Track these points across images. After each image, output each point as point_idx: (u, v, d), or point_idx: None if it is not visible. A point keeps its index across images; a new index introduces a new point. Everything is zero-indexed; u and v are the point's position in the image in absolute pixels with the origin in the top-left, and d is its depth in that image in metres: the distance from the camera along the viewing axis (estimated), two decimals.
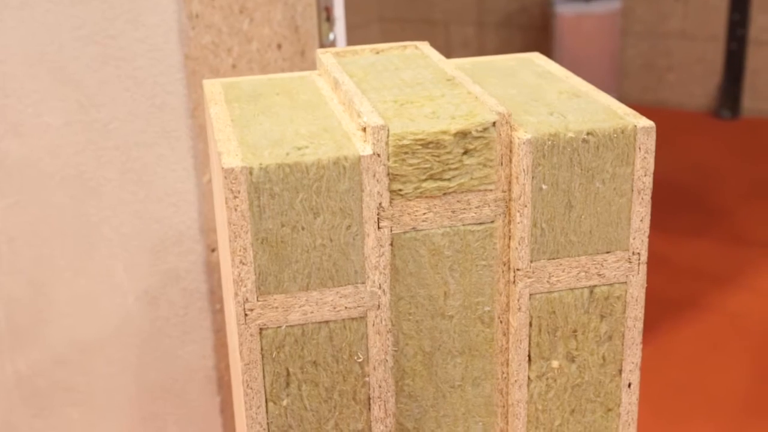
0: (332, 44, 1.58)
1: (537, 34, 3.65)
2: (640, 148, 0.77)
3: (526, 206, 0.76)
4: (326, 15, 1.53)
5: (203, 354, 1.47)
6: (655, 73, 3.62)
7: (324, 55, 0.92)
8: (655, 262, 2.50)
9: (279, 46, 1.47)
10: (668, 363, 2.09)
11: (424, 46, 0.94)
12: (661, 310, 2.28)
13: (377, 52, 0.93)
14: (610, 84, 3.43)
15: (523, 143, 0.74)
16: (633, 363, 0.83)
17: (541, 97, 0.83)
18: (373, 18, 3.98)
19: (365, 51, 0.93)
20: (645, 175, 0.77)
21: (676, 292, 2.36)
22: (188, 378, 1.50)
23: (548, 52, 3.46)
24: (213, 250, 1.41)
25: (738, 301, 2.31)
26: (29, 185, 1.42)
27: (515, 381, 0.81)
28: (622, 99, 3.61)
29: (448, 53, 3.78)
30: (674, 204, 2.87)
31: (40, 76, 1.36)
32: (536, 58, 0.95)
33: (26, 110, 1.39)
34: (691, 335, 2.18)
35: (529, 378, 0.81)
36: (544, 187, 0.76)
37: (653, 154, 0.77)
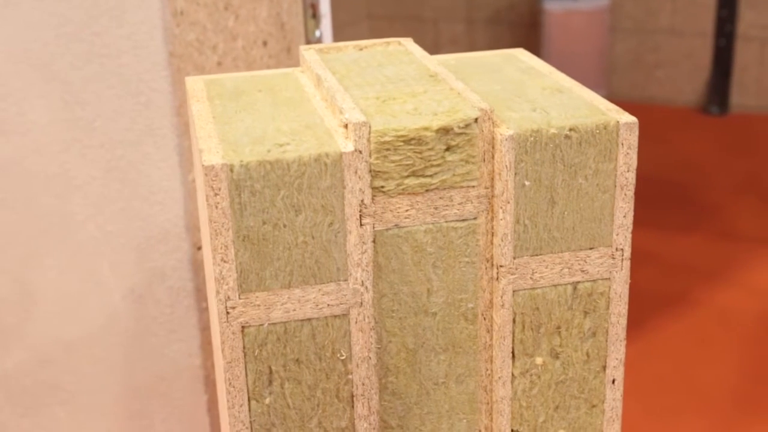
0: (319, 41, 1.58)
1: (526, 30, 3.65)
2: (622, 144, 0.76)
3: (508, 203, 0.76)
4: (312, 12, 1.53)
5: (190, 352, 1.47)
6: (643, 70, 3.62)
7: (307, 52, 0.91)
8: (645, 258, 2.50)
9: (265, 43, 1.47)
10: (657, 358, 2.09)
11: (408, 42, 0.94)
12: (651, 306, 2.28)
13: (360, 49, 0.93)
14: (599, 80, 3.43)
15: (506, 139, 0.74)
16: (617, 359, 0.83)
17: (524, 93, 0.82)
18: (362, 15, 3.98)
19: (348, 47, 0.93)
20: (628, 171, 0.77)
21: (666, 288, 2.36)
22: (175, 376, 1.50)
23: (537, 49, 3.46)
24: (199, 248, 1.40)
25: (727, 297, 2.31)
26: (13, 184, 1.42)
27: (499, 378, 0.81)
28: (610, 95, 3.61)
29: (438, 50, 3.77)
30: (663, 200, 2.87)
31: (24, 74, 1.35)
32: (520, 54, 0.95)
33: (10, 108, 1.38)
34: (680, 330, 2.18)
35: (513, 375, 0.81)
36: (526, 183, 0.76)
37: (636, 149, 0.77)
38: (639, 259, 2.47)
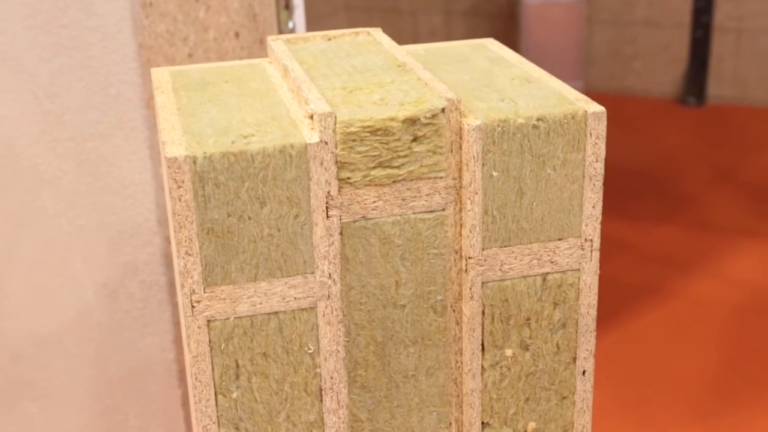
0: (292, 32, 1.56)
1: (504, 22, 3.65)
2: (591, 134, 0.76)
3: (476, 193, 0.75)
4: (285, 2, 1.52)
5: (163, 347, 1.46)
6: (621, 61, 3.62)
7: (275, 43, 0.90)
8: (620, 249, 2.50)
9: (237, 35, 1.45)
10: (633, 349, 2.09)
11: (377, 33, 0.93)
12: (626, 297, 2.28)
13: (329, 39, 0.92)
14: (576, 72, 3.43)
15: (473, 129, 0.73)
16: (587, 350, 0.82)
17: (493, 83, 0.82)
18: (340, 7, 3.96)
19: (316, 38, 0.92)
20: (596, 161, 0.77)
21: (641, 278, 2.37)
22: (148, 371, 1.48)
23: (515, 41, 3.46)
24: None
25: (702, 287, 2.32)
26: None
27: (469, 370, 0.80)
28: (588, 86, 3.61)
29: (416, 42, 3.76)
30: (639, 191, 2.87)
31: None
32: (489, 43, 0.94)
33: None
34: (656, 321, 2.19)
35: (482, 367, 0.81)
36: (494, 174, 0.75)
37: (604, 139, 0.76)
38: (614, 249, 2.47)
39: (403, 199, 0.75)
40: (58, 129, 1.37)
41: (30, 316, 1.48)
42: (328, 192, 0.73)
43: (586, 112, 0.75)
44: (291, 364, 0.76)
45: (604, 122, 0.76)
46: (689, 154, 3.12)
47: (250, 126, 0.74)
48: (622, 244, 2.53)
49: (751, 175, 2.95)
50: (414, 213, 0.76)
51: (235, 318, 0.74)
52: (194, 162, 0.69)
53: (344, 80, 0.79)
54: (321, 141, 0.71)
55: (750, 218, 2.66)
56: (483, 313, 0.79)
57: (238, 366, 0.75)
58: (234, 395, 0.76)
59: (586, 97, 0.78)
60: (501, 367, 0.81)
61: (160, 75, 0.87)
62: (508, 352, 0.81)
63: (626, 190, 2.87)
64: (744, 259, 2.44)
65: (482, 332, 0.79)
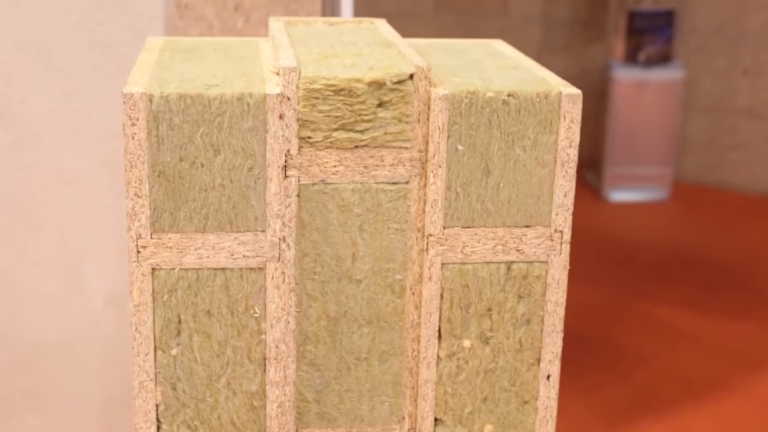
0: None
1: (595, 101, 3.67)
2: (564, 117, 0.78)
3: (440, 167, 0.77)
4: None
5: None
6: (718, 152, 3.60)
7: (274, 22, 0.95)
8: (689, 338, 2.47)
9: None
10: None
11: (380, 22, 0.97)
12: (687, 387, 2.24)
13: (330, 24, 0.96)
14: (667, 158, 3.42)
15: (439, 98, 0.76)
16: (552, 353, 0.83)
17: (479, 67, 0.85)
18: None
19: (318, 22, 0.96)
20: (570, 147, 0.78)
21: (706, 371, 2.32)
22: None
23: (604, 118, 3.47)
24: None
25: None
26: (9, 176, 1.47)
27: (424, 358, 0.82)
28: (680, 176, 3.59)
29: None
30: (719, 283, 2.83)
31: (28, 62, 1.42)
32: (496, 43, 0.97)
33: (13, 95, 1.44)
34: (715, 416, 2.14)
35: (438, 356, 0.82)
36: (460, 147, 0.77)
37: (579, 124, 0.78)
38: (683, 338, 2.44)
39: (365, 167, 0.78)
40: (85, 127, 1.44)
41: (39, 323, 1.54)
42: (288, 150, 0.76)
43: (560, 92, 0.78)
44: (235, 326, 0.79)
45: (579, 105, 0.78)
46: None
47: (218, 78, 0.78)
48: (692, 334, 2.49)
49: None
50: (376, 182, 0.78)
51: (180, 269, 0.77)
52: (150, 100, 0.74)
53: (324, 49, 0.83)
54: (282, 94, 0.75)
55: None
56: (441, 296, 0.80)
57: (180, 321, 0.78)
58: (173, 352, 0.79)
59: (566, 82, 0.80)
60: (458, 359, 0.82)
61: (153, 41, 0.92)
62: (467, 343, 0.82)
63: (705, 282, 2.83)
64: None
65: (440, 318, 0.81)
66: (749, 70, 3.53)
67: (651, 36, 3.42)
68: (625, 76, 3.36)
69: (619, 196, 3.44)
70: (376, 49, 0.83)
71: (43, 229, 1.49)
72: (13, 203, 1.48)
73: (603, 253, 3.04)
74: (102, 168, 1.45)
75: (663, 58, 3.43)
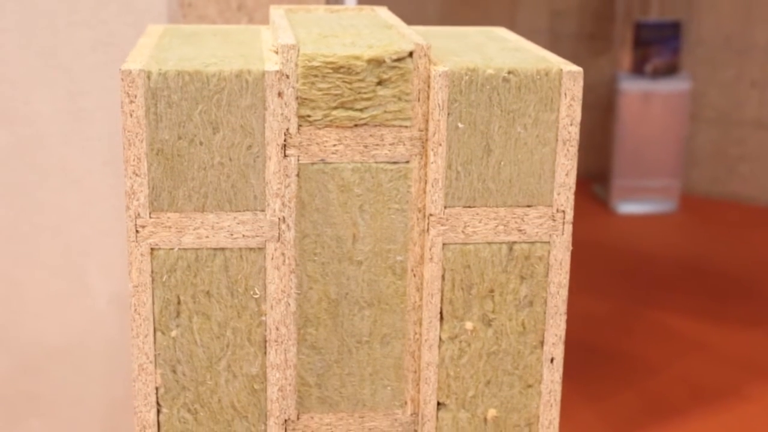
0: None
1: (603, 113, 3.67)
2: (565, 94, 0.77)
3: (440, 145, 0.77)
4: None
5: None
6: (725, 164, 3.59)
7: (275, 9, 0.95)
8: (698, 347, 2.45)
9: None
10: None
11: (381, 9, 0.97)
12: (697, 396, 2.23)
13: (331, 12, 0.96)
14: (675, 170, 3.41)
15: (439, 75, 0.76)
16: (556, 335, 0.82)
17: (481, 49, 0.84)
18: None
19: (319, 10, 0.96)
20: (571, 125, 0.78)
21: (716, 379, 2.31)
22: None
23: (612, 131, 3.47)
24: None
25: None
26: (13, 178, 1.47)
27: (426, 340, 0.81)
28: (688, 188, 3.58)
29: None
30: (728, 293, 2.82)
31: (31, 62, 1.42)
32: (499, 30, 0.97)
33: (18, 96, 1.45)
34: (726, 423, 2.12)
35: (440, 338, 0.81)
36: (460, 125, 0.77)
37: (580, 102, 0.78)
38: (693, 347, 2.43)
39: (365, 146, 0.77)
40: (89, 127, 1.44)
41: (43, 325, 1.53)
42: (287, 129, 0.76)
43: (561, 70, 0.77)
44: (235, 308, 0.78)
45: (580, 83, 0.78)
46: None
47: (216, 57, 0.78)
48: (701, 343, 2.47)
49: None
50: (376, 162, 0.78)
51: (179, 249, 0.77)
52: (148, 77, 0.73)
53: (324, 30, 0.83)
54: (281, 72, 0.75)
55: None
56: (443, 277, 0.80)
57: (179, 302, 0.78)
58: (173, 333, 0.78)
59: (567, 61, 0.80)
60: (460, 341, 0.81)
61: (154, 28, 0.92)
62: (469, 325, 0.81)
63: (714, 292, 2.81)
64: None
65: (441, 299, 0.80)
66: (757, 82, 3.52)
67: (658, 47, 3.41)
68: (632, 87, 3.35)
69: (627, 208, 3.43)
70: (376, 30, 0.83)
71: (46, 230, 1.49)
72: (17, 204, 1.48)
73: (611, 264, 3.03)
74: (105, 167, 1.45)
75: (670, 70, 3.42)
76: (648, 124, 3.41)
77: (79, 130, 1.45)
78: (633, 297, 2.80)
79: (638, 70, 3.43)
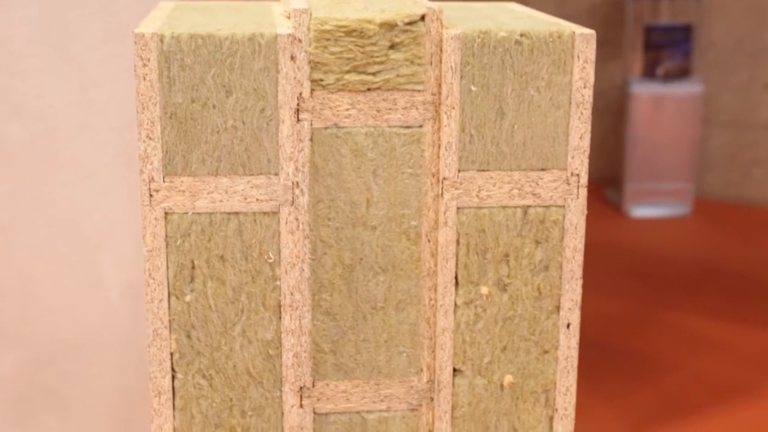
0: None
1: (615, 118, 3.67)
2: (578, 57, 0.78)
3: (453, 108, 0.77)
4: None
5: None
6: (739, 167, 3.59)
7: None
8: (716, 347, 2.45)
9: None
10: None
11: None
12: (715, 395, 2.22)
13: None
14: (688, 174, 3.41)
15: (451, 38, 0.76)
16: (572, 300, 0.82)
17: (493, 17, 0.85)
18: None
19: None
20: (584, 87, 0.78)
21: (735, 379, 2.30)
22: None
23: (624, 134, 3.47)
24: None
25: None
26: (27, 171, 1.48)
27: (441, 305, 0.81)
28: (702, 192, 3.58)
29: None
30: (744, 293, 2.81)
31: (44, 55, 1.43)
32: (510, 4, 0.98)
33: (30, 91, 1.46)
34: (745, 421, 2.11)
35: (456, 304, 0.81)
36: (473, 88, 0.77)
37: (593, 64, 0.78)
38: (711, 347, 2.42)
39: (378, 110, 0.78)
40: (101, 119, 1.45)
41: (56, 319, 1.54)
42: (300, 93, 0.76)
43: (573, 32, 0.78)
44: (249, 272, 0.79)
45: (593, 45, 0.78)
46: None
47: (229, 24, 0.78)
48: (718, 342, 2.47)
49: None
50: (389, 126, 0.78)
51: (193, 213, 0.77)
52: (161, 41, 0.74)
53: None
54: (293, 36, 0.75)
55: None
56: (458, 242, 0.80)
57: (193, 266, 0.78)
58: (188, 298, 0.79)
59: (579, 26, 0.80)
60: (476, 307, 0.81)
61: (166, 3, 0.93)
62: (484, 289, 0.81)
63: (731, 292, 2.81)
64: None
65: (456, 264, 0.80)
66: None
67: (669, 51, 3.42)
68: (643, 91, 3.35)
69: (641, 211, 3.43)
70: None
71: (58, 224, 1.50)
72: (30, 197, 1.49)
73: (626, 266, 3.02)
74: (116, 159, 1.46)
75: (681, 73, 3.42)
76: (660, 127, 3.41)
77: (91, 122, 1.46)
78: (649, 298, 2.79)
79: (649, 73, 3.43)
